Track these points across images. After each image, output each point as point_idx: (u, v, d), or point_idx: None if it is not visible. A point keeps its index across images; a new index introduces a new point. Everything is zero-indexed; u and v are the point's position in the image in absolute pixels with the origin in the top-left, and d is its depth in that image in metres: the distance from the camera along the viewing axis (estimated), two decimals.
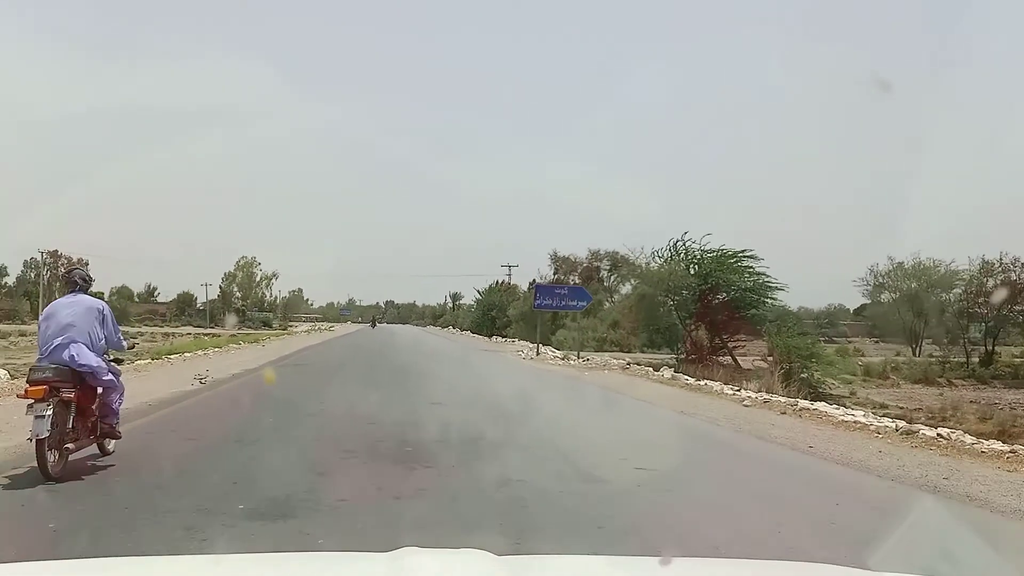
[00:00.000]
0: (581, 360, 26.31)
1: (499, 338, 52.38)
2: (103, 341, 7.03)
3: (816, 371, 27.82)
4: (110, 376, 7.10)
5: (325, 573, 1.91)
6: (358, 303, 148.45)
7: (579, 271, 63.37)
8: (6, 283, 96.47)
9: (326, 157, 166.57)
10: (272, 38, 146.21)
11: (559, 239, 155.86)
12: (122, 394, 7.48)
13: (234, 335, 56.51)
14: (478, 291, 73.29)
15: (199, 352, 27.57)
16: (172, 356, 24.49)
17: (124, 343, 7.58)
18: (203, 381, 16.17)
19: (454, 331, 76.71)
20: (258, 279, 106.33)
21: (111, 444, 7.51)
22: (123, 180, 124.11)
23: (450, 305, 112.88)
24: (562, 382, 18.71)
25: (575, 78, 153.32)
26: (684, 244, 36.65)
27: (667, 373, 20.55)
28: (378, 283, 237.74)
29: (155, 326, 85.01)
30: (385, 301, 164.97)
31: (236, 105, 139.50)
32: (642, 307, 41.91)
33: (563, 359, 27.64)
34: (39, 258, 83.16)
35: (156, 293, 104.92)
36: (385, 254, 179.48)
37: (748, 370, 30.67)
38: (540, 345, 30.52)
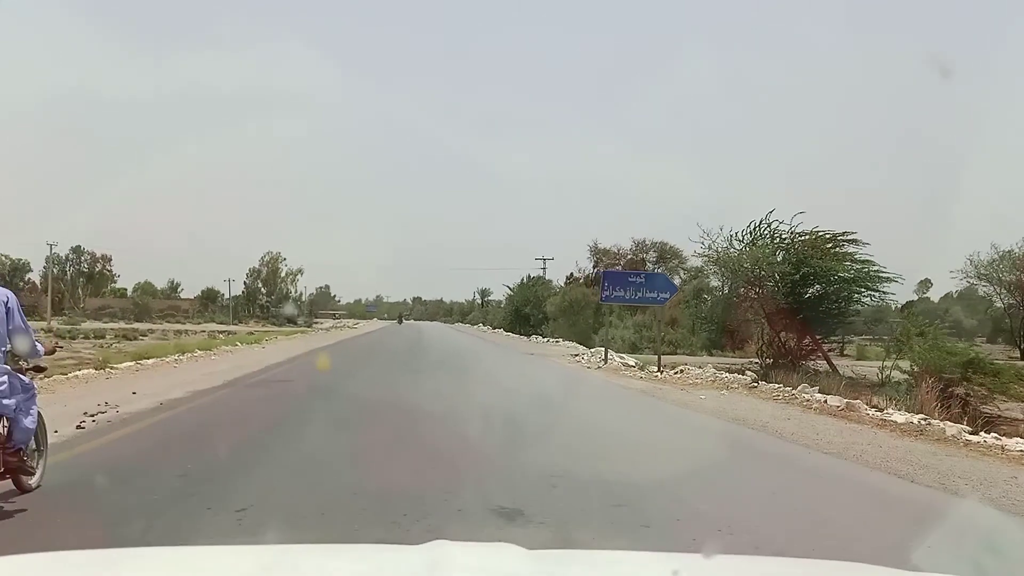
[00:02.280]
0: (670, 372, 18.74)
1: (538, 337, 44.87)
2: (6, 345, 5.08)
3: (980, 386, 20.06)
4: (10, 397, 5.02)
5: (362, 564, 1.80)
6: (385, 299, 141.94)
7: (622, 264, 55.74)
8: (30, 279, 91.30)
9: (352, 150, 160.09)
10: (312, 22, 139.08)
11: (597, 232, 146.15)
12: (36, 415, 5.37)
13: (251, 332, 49.89)
14: (509, 287, 65.96)
15: (168, 358, 20.45)
16: (121, 366, 17.37)
17: (40, 347, 5.44)
18: (84, 424, 8.90)
19: (484, 328, 69.33)
20: (283, 275, 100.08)
21: (34, 479, 5.40)
22: (150, 175, 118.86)
23: (479, 302, 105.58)
24: (689, 421, 11.19)
25: (621, 65, 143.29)
26: (769, 225, 28.86)
27: (829, 398, 13.00)
28: (405, 280, 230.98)
29: (176, 322, 79.07)
30: (412, 297, 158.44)
31: (263, 97, 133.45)
32: (716, 301, 34.38)
33: (640, 369, 20.12)
34: (49, 252, 77.21)
35: (180, 289, 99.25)
36: (413, 250, 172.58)
37: (852, 379, 22.98)
38: (606, 350, 22.88)
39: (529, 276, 64.26)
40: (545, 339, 42.40)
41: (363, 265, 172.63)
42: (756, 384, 14.99)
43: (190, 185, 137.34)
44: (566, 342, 37.97)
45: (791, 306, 27.99)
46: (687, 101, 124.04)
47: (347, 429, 8.85)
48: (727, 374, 16.87)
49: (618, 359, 22.48)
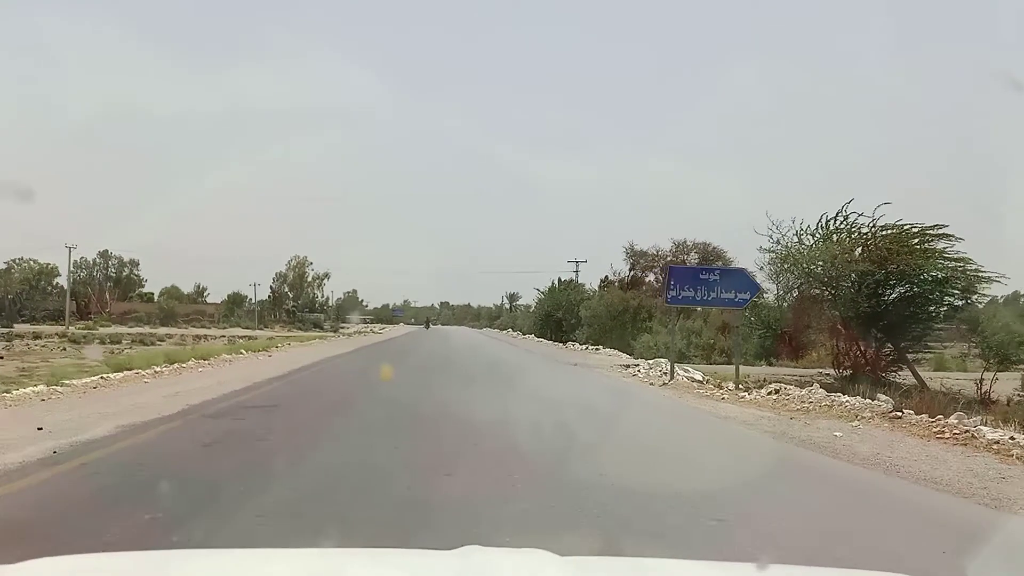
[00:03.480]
0: (759, 391, 14.60)
1: (574, 344, 40.76)
2: None
3: None
4: None
5: (396, 569, 1.78)
6: (412, 304, 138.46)
7: (660, 267, 51.49)
8: (58, 283, 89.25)
9: (379, 157, 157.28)
10: (336, 23, 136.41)
11: (629, 236, 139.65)
12: None
13: (272, 338, 46.58)
14: (539, 290, 62.00)
15: (146, 371, 16.74)
16: (78, 382, 13.65)
17: None
18: None
19: (514, 334, 65.34)
20: (310, 279, 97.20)
21: None
22: (184, 184, 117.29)
23: (507, 306, 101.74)
24: (862, 486, 7.08)
25: (657, 73, 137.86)
26: (846, 218, 24.58)
27: None
28: (432, 284, 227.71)
29: (201, 327, 76.21)
30: (440, 302, 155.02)
31: (294, 107, 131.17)
32: (783, 305, 30.23)
33: (717, 387, 16.00)
34: (68, 256, 74.87)
35: (206, 293, 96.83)
36: (439, 254, 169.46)
37: (942, 394, 18.53)
38: (670, 363, 18.69)
39: (560, 279, 60.37)
40: (583, 346, 38.30)
41: (390, 270, 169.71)
42: (900, 414, 10.79)
43: (220, 193, 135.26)
44: (606, 349, 33.90)
45: (872, 310, 23.77)
46: (724, 108, 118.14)
47: (318, 536, 4.88)
48: (846, 398, 12.67)
49: (681, 373, 18.34)
